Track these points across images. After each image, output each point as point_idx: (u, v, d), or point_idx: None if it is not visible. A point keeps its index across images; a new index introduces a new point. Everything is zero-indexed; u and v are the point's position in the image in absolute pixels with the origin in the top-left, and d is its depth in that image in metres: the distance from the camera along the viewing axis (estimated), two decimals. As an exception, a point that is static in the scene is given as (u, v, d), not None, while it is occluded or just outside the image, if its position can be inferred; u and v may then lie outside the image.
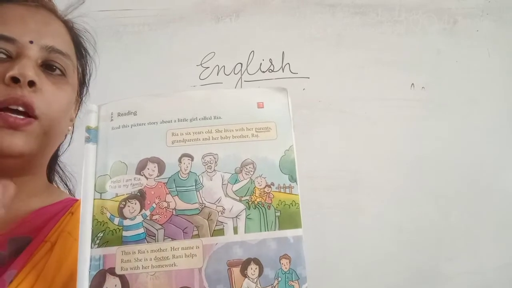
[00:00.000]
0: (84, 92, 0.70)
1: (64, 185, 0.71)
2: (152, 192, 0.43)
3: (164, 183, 0.43)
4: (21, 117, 0.53)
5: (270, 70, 1.37)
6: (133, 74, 1.36)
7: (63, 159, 0.72)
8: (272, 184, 0.44)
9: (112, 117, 0.46)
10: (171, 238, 0.42)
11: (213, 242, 0.42)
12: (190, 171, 0.44)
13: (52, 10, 0.62)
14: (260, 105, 0.46)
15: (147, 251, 0.41)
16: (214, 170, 0.44)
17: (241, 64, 1.37)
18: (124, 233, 0.42)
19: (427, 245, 1.25)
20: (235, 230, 0.42)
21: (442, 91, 1.33)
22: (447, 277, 1.23)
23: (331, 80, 1.35)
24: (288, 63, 1.37)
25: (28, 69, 0.53)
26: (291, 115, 0.46)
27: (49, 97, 0.56)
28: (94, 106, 0.46)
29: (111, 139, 0.45)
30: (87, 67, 0.69)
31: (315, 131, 1.31)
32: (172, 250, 0.41)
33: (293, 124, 0.46)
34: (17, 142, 0.53)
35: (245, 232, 0.42)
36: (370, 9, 1.39)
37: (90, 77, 0.70)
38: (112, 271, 0.40)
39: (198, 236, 0.42)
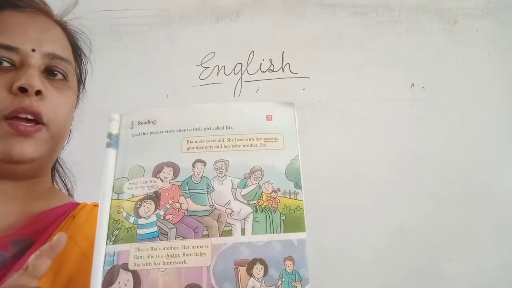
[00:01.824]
0: (81, 90, 0.71)
1: (63, 184, 0.73)
2: (167, 194, 0.46)
3: (178, 185, 0.46)
4: (31, 124, 0.55)
5: (270, 70, 1.37)
6: (133, 74, 1.36)
7: (63, 156, 0.72)
8: (278, 189, 0.46)
9: (132, 125, 0.49)
10: (182, 237, 0.44)
11: (221, 242, 0.44)
12: (202, 176, 0.47)
13: (49, 15, 0.63)
14: (268, 118, 0.50)
15: (159, 249, 0.43)
16: (225, 175, 0.47)
17: (241, 64, 1.37)
18: (139, 231, 0.44)
19: (427, 245, 1.25)
20: (243, 232, 0.44)
21: (442, 91, 1.34)
22: (447, 277, 1.23)
23: (331, 80, 1.36)
24: (288, 63, 1.38)
25: (35, 79, 0.55)
26: (297, 128, 0.49)
27: (54, 103, 0.58)
28: (116, 115, 0.50)
29: (131, 145, 0.48)
30: (83, 66, 0.70)
31: (315, 131, 1.31)
32: (183, 248, 0.43)
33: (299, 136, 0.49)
34: (28, 148, 0.55)
35: (252, 234, 0.44)
36: (370, 9, 1.40)
37: (86, 75, 0.72)
38: (125, 267, 0.43)
39: (207, 236, 0.44)
